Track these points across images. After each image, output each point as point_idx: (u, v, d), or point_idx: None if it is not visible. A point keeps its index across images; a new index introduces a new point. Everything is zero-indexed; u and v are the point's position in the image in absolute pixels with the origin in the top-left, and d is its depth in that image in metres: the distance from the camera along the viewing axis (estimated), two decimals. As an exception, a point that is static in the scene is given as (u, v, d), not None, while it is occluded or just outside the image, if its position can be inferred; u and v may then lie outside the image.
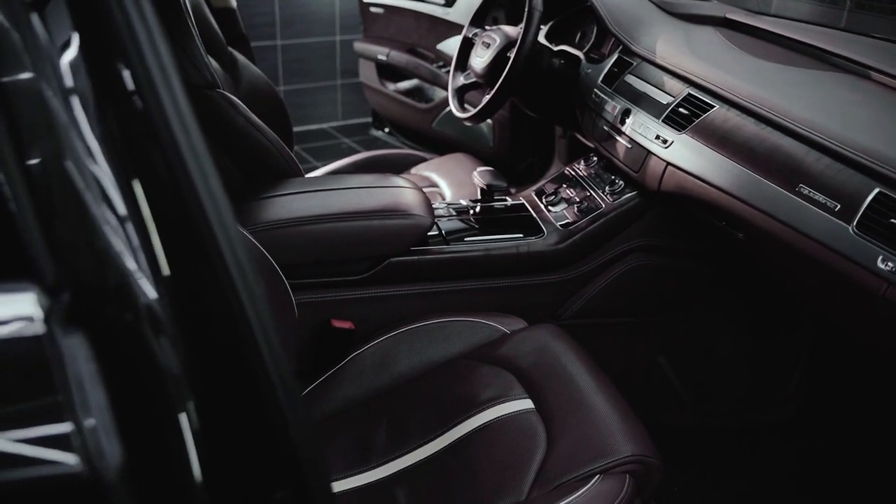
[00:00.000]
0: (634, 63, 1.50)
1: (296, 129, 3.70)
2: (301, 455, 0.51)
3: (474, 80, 1.76)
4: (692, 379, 1.63)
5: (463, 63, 1.81)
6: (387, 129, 3.16)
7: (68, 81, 0.46)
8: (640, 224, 1.49)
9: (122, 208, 0.45)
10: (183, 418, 0.46)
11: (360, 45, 2.96)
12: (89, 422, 0.38)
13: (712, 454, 1.63)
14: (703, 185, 1.21)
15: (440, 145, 2.61)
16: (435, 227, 1.46)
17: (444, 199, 1.86)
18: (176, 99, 0.44)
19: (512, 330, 1.31)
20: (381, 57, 2.81)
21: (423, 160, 2.13)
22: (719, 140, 1.20)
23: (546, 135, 2.22)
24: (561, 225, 1.51)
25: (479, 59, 1.69)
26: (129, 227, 0.45)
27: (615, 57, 1.55)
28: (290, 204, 1.33)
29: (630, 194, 1.50)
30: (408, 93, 2.83)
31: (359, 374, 1.25)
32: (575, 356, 1.20)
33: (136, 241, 0.46)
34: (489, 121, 2.35)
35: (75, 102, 0.46)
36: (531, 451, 1.05)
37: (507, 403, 1.13)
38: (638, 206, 1.48)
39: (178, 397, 0.46)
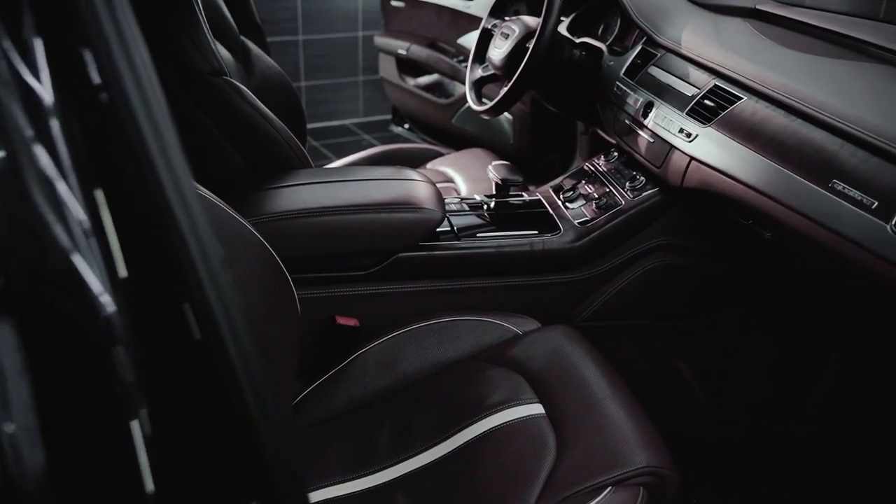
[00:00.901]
0: (658, 54, 1.43)
1: (317, 124, 3.69)
2: (271, 461, 0.47)
3: (492, 72, 1.71)
4: (714, 386, 1.56)
5: (481, 55, 1.76)
6: (406, 126, 3.12)
7: (22, 68, 0.42)
8: (661, 222, 1.42)
9: (74, 201, 0.41)
10: (134, 424, 0.41)
11: (380, 40, 2.92)
12: (7, 424, 0.33)
13: (733, 466, 1.56)
14: (729, 180, 1.14)
15: (460, 141, 2.56)
16: (446, 222, 1.41)
17: (458, 194, 1.81)
18: (143, 87, 0.39)
19: (524, 331, 1.25)
20: (401, 51, 2.77)
21: (440, 155, 2.09)
22: (746, 133, 1.13)
23: (568, 131, 2.16)
24: (578, 222, 1.45)
25: (498, 51, 1.64)
26: (83, 217, 0.41)
27: (639, 48, 1.49)
28: (294, 195, 1.28)
29: (651, 191, 1.43)
30: (427, 88, 2.79)
31: (363, 374, 1.20)
32: (590, 360, 1.15)
33: (88, 228, 0.41)
34: (509, 116, 2.29)
35: (31, 90, 0.42)
36: (539, 460, 0.99)
37: (517, 408, 1.08)
38: (659, 204, 1.42)
39: (129, 398, 0.41)
